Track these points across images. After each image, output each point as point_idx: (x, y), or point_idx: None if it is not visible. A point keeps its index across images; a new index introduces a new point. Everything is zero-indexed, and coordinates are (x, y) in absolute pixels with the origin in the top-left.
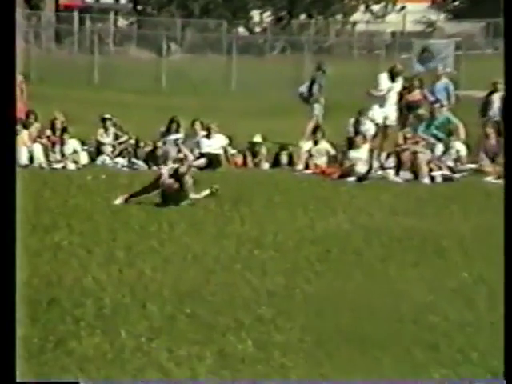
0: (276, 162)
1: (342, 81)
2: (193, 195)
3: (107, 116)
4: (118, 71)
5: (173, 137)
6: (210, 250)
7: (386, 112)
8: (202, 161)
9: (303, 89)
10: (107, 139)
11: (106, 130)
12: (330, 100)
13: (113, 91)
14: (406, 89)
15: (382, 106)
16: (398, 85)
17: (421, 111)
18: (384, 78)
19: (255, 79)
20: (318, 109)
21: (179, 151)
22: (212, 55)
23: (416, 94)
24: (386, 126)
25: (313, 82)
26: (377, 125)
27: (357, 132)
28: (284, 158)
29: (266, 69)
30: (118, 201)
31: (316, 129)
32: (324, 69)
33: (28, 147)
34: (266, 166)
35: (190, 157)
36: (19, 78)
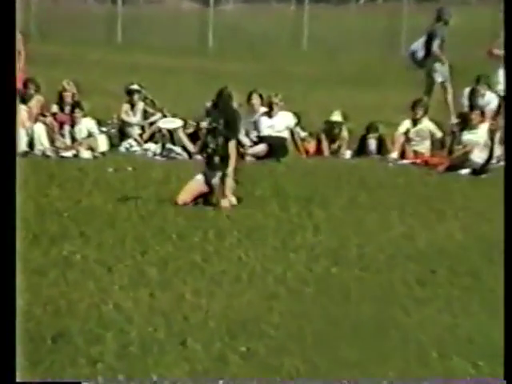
0: (362, 149)
1: (454, 35)
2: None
3: (134, 86)
4: (150, 26)
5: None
6: (271, 268)
7: None
8: (262, 147)
9: (417, 47)
10: (134, 118)
11: (133, 105)
12: None
13: (142, 53)
14: None
15: None
16: None
17: None
18: None
19: (334, 36)
20: (441, 72)
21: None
22: (276, 5)
23: None
24: None
25: (430, 37)
26: (502, 97)
27: (473, 106)
28: (372, 143)
29: (349, 22)
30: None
31: (416, 103)
32: (446, 18)
33: (27, 128)
34: (347, 153)
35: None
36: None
